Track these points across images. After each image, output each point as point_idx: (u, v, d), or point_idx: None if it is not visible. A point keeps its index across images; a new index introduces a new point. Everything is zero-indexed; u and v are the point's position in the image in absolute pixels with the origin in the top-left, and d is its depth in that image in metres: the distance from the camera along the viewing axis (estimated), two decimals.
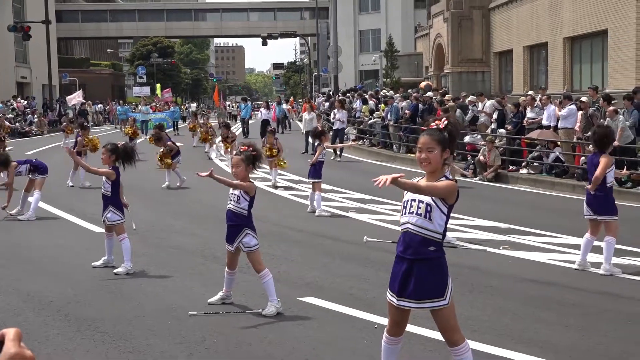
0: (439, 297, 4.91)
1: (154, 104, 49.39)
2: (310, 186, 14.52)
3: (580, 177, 18.18)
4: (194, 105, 73.32)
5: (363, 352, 6.37)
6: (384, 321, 7.04)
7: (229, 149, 21.49)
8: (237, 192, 7.50)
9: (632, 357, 6.37)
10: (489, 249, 10.66)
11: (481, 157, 19.87)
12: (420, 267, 4.89)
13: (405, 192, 4.98)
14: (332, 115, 27.01)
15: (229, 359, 6.31)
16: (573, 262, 9.88)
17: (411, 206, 4.93)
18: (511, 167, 20.49)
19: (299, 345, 6.57)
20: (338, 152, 24.78)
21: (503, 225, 12.47)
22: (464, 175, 17.17)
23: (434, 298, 4.91)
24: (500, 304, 7.92)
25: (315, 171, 14.18)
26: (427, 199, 4.87)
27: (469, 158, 21.36)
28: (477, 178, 19.64)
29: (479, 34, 43.08)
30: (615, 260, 9.72)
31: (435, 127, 4.94)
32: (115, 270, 9.30)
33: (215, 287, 8.14)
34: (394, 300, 5.01)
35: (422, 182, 4.93)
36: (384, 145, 27.78)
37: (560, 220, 13.61)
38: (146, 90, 61.49)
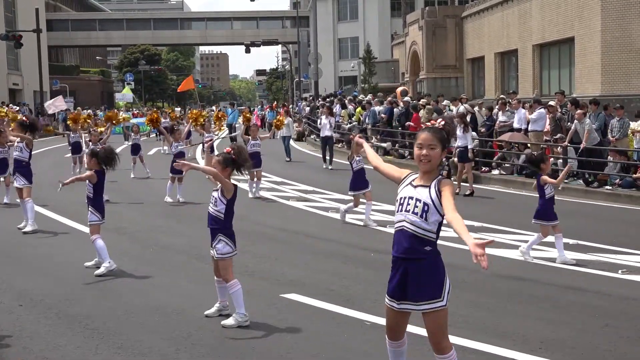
0: (436, 298, 4.73)
1: (136, 109, 49.21)
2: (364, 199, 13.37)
3: (549, 176, 18.62)
4: (177, 109, 73.27)
5: (343, 346, 6.56)
6: (365, 317, 7.34)
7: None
8: (216, 194, 7.20)
9: (599, 347, 6.58)
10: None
11: (455, 159, 20.24)
12: (416, 267, 4.73)
13: (400, 188, 4.88)
14: (319, 122, 26.07)
15: (214, 353, 6.45)
16: (543, 258, 10.24)
17: (408, 204, 4.76)
18: (484, 168, 20.91)
19: (282, 340, 6.73)
20: (328, 159, 24.24)
21: (476, 224, 12.69)
22: None
23: (432, 299, 4.72)
24: (474, 299, 8.11)
25: (360, 180, 13.20)
26: (425, 198, 4.70)
27: (443, 160, 21.70)
28: (452, 179, 19.99)
29: (453, 42, 43.68)
30: (582, 256, 10.08)
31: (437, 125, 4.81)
32: (96, 272, 9.35)
33: (200, 285, 8.36)
34: (395, 305, 4.85)
35: (456, 223, 4.55)
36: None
37: (530, 218, 13.90)
38: (129, 96, 61.59)
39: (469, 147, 17.33)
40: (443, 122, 4.82)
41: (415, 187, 4.80)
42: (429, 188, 4.74)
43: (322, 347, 6.56)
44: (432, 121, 4.88)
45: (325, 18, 70.23)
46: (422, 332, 6.35)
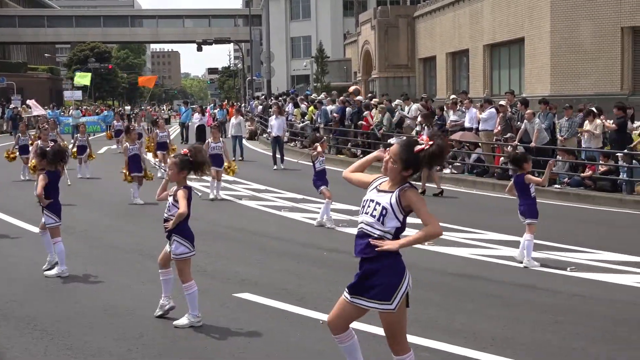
0: (385, 301, 4.72)
1: (86, 107, 48.55)
2: (323, 197, 13.11)
3: (499, 176, 18.89)
4: (127, 108, 72.27)
5: (296, 345, 6.56)
6: (318, 316, 7.30)
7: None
8: (170, 199, 7.15)
9: (549, 343, 6.68)
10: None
11: None
12: (370, 266, 4.75)
13: (367, 191, 4.92)
14: (269, 123, 25.44)
15: (166, 353, 6.40)
16: (493, 257, 10.36)
17: (368, 206, 4.80)
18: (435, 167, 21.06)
19: (235, 340, 6.70)
20: (279, 159, 23.73)
21: None
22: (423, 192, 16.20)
23: (381, 301, 4.73)
24: (425, 297, 8.10)
25: (321, 179, 13.06)
26: (384, 202, 4.73)
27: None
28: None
29: (405, 41, 43.93)
30: (534, 254, 10.17)
31: (421, 145, 4.70)
32: (46, 273, 9.22)
33: (151, 284, 8.27)
34: (348, 296, 4.88)
35: (417, 234, 4.77)
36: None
37: (480, 217, 14.12)
38: (78, 94, 60.69)
39: None
40: (431, 143, 4.70)
41: (379, 191, 4.84)
42: (391, 194, 4.76)
43: (276, 346, 6.55)
44: (426, 138, 4.76)
45: (277, 17, 70.21)
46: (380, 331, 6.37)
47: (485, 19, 33.91)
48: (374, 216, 4.75)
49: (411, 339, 6.40)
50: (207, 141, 16.75)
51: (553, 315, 7.55)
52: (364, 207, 4.86)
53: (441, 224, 4.84)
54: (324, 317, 7.28)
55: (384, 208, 4.73)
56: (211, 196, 16.16)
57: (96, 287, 8.67)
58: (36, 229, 11.64)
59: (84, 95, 64.71)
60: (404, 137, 5.02)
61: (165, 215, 7.21)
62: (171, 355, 6.37)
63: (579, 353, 6.48)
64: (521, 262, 9.94)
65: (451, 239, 11.55)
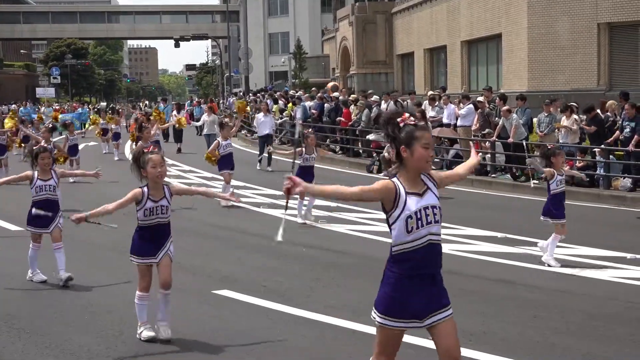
0: (450, 304, 4.45)
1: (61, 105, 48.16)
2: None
3: (478, 172, 18.95)
4: (103, 104, 71.54)
5: (277, 343, 6.56)
6: (298, 312, 7.32)
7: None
8: (164, 202, 6.84)
9: (528, 338, 6.72)
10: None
11: (386, 154, 20.36)
12: (437, 277, 4.46)
13: (400, 203, 4.32)
14: (255, 121, 24.64)
15: (146, 351, 6.38)
16: (472, 252, 10.39)
17: (427, 215, 4.34)
18: None
19: (215, 337, 6.69)
20: (266, 157, 22.07)
21: None
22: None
23: (449, 304, 4.44)
24: None
25: (307, 175, 12.55)
26: (437, 202, 4.40)
27: (374, 155, 21.95)
28: (382, 174, 20.16)
29: (383, 37, 44.04)
30: (511, 250, 10.26)
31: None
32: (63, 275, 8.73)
33: (130, 283, 8.19)
34: (406, 325, 4.40)
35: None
36: (294, 143, 28.04)
37: (459, 212, 14.10)
38: (51, 91, 60.22)
39: None
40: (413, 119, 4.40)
41: (421, 194, 4.39)
42: (429, 190, 4.45)
43: (256, 343, 6.53)
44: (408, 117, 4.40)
45: (255, 13, 70.12)
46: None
47: (463, 15, 34.04)
48: (438, 221, 4.42)
49: None
50: (216, 140, 15.55)
51: (532, 311, 7.59)
52: (420, 219, 4.32)
53: None
54: (303, 313, 7.31)
55: (440, 208, 4.45)
56: (222, 203, 14.90)
57: (75, 286, 8.59)
58: (9, 226, 11.61)
59: (60, 92, 64.31)
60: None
61: (163, 220, 6.87)
62: (151, 354, 6.34)
63: (558, 348, 6.51)
64: (546, 262, 9.71)
65: None
